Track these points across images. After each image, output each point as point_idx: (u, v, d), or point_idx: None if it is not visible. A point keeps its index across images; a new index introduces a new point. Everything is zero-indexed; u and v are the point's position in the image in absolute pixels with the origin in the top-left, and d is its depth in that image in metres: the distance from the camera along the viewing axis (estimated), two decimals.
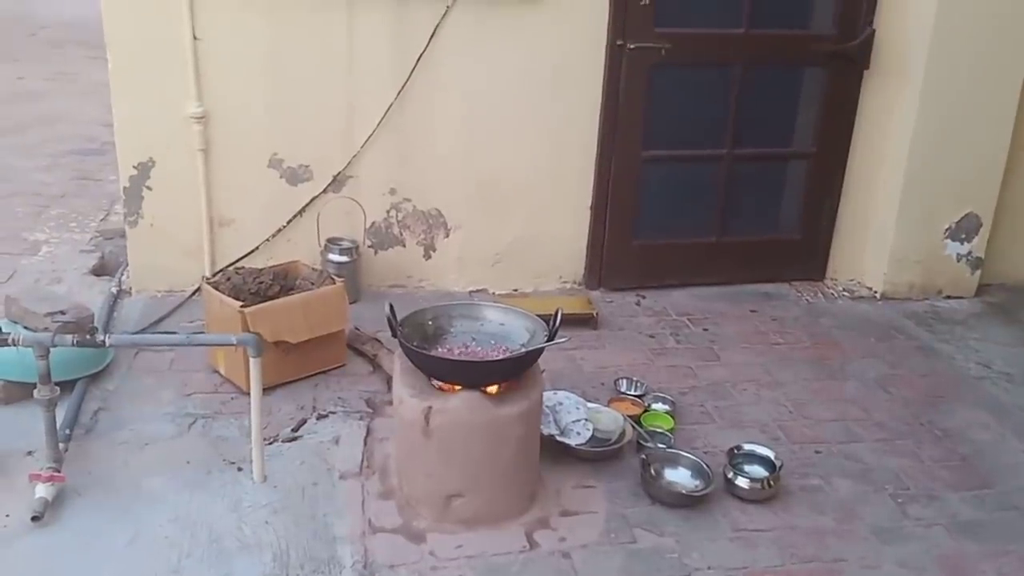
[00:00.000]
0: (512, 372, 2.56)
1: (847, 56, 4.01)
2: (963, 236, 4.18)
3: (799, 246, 4.35)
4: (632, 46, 3.81)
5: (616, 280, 4.18)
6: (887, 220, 4.14)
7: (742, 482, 2.73)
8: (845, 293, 4.29)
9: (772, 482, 2.75)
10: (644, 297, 4.14)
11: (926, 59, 3.87)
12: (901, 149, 4.02)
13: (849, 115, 4.14)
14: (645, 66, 3.86)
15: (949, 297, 4.27)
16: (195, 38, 3.55)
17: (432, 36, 3.69)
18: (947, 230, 4.17)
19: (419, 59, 3.71)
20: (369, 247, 3.99)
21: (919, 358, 3.72)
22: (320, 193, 3.86)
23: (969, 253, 4.22)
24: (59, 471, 2.58)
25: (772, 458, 2.82)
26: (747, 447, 2.89)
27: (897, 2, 3.93)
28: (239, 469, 2.75)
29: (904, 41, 3.93)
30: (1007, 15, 3.86)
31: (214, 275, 3.48)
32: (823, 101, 4.13)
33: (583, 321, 3.78)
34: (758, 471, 2.80)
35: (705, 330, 3.86)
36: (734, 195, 4.20)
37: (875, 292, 4.25)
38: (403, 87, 3.74)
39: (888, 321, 4.03)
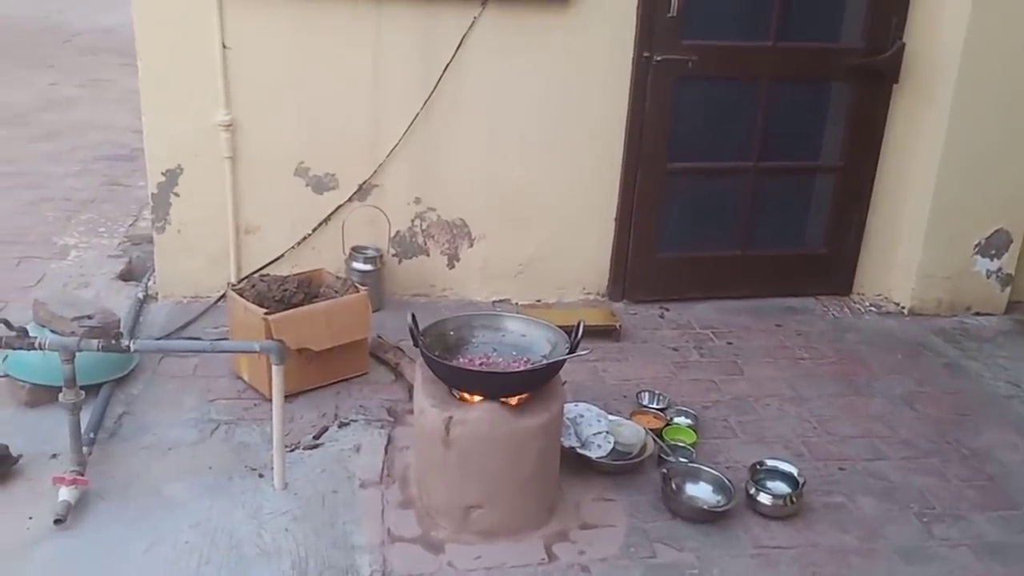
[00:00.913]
0: (533, 383, 2.55)
1: (876, 70, 3.98)
2: (993, 252, 4.13)
3: (825, 260, 4.31)
4: (659, 58, 3.80)
5: (640, 292, 4.16)
6: (916, 235, 4.10)
7: (764, 498, 2.70)
8: (872, 308, 4.24)
9: (795, 499, 2.72)
10: (668, 310, 4.12)
11: (957, 74, 3.82)
12: (931, 164, 3.98)
13: (878, 129, 4.10)
14: (671, 78, 3.85)
15: (978, 314, 4.22)
16: (224, 47, 3.59)
17: (458, 47, 3.70)
18: (977, 246, 4.12)
19: (445, 70, 3.72)
20: (393, 256, 4.00)
21: (947, 375, 3.67)
22: (345, 202, 3.87)
23: (999, 270, 4.17)
24: (82, 475, 2.60)
25: (795, 474, 2.80)
26: (770, 463, 2.86)
27: (928, 17, 3.89)
28: (260, 476, 2.76)
29: (935, 56, 3.89)
30: None
31: (239, 282, 3.50)
32: (851, 115, 4.09)
33: (606, 333, 3.77)
34: (781, 487, 2.78)
35: (729, 344, 3.84)
36: (760, 208, 4.17)
37: (903, 308, 4.20)
38: (429, 97, 3.76)
39: (915, 337, 3.98)
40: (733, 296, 4.23)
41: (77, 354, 2.55)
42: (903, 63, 3.95)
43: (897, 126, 4.08)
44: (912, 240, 4.12)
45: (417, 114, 3.77)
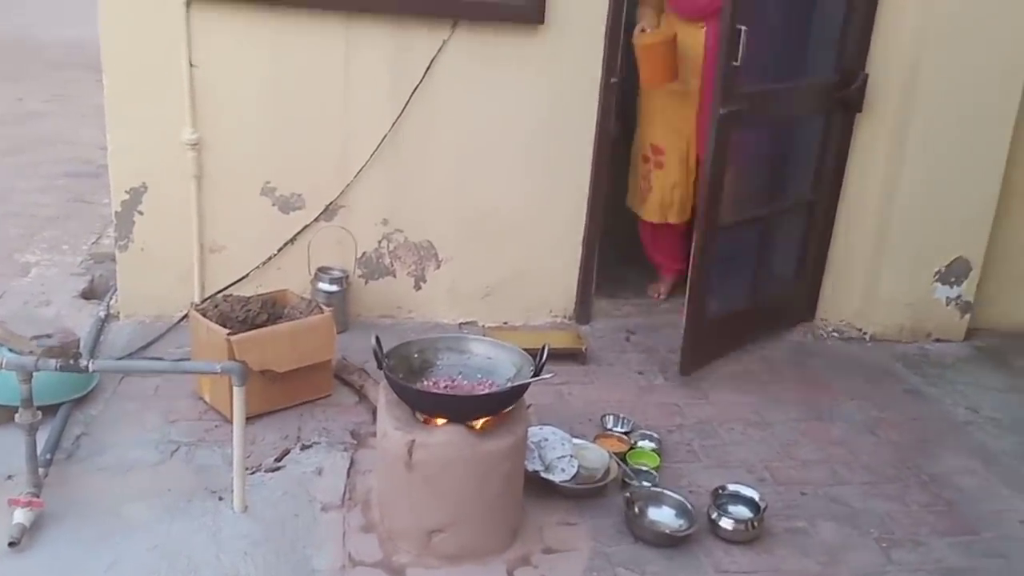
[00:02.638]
0: (498, 407, 2.55)
1: (844, 102, 3.99)
2: (953, 280, 4.18)
3: (790, 286, 4.35)
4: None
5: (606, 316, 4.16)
6: (877, 262, 4.14)
7: (726, 523, 2.71)
8: (835, 334, 4.28)
9: (756, 524, 2.73)
10: (634, 333, 4.13)
11: (914, 102, 3.88)
12: (890, 192, 4.03)
13: (842, 159, 4.13)
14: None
15: (939, 340, 4.27)
16: (191, 65, 3.57)
17: (428, 68, 3.71)
18: (937, 274, 4.17)
19: (414, 91, 3.73)
20: (360, 277, 3.99)
21: (908, 401, 3.71)
22: (312, 222, 3.85)
23: (959, 297, 4.22)
24: (38, 496, 2.56)
25: (757, 499, 2.81)
26: (732, 487, 2.87)
27: (886, 46, 3.92)
28: (220, 499, 2.72)
29: (892, 84, 3.93)
30: (996, 60, 3.88)
31: (202, 302, 3.47)
32: (821, 147, 4.09)
33: (572, 356, 3.77)
34: (742, 512, 2.79)
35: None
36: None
37: (865, 334, 4.24)
38: (398, 118, 3.76)
39: (878, 363, 4.02)
40: None
41: (35, 374, 2.51)
42: (866, 93, 4.00)
43: (859, 154, 4.10)
44: (874, 267, 4.16)
45: (385, 135, 3.77)
